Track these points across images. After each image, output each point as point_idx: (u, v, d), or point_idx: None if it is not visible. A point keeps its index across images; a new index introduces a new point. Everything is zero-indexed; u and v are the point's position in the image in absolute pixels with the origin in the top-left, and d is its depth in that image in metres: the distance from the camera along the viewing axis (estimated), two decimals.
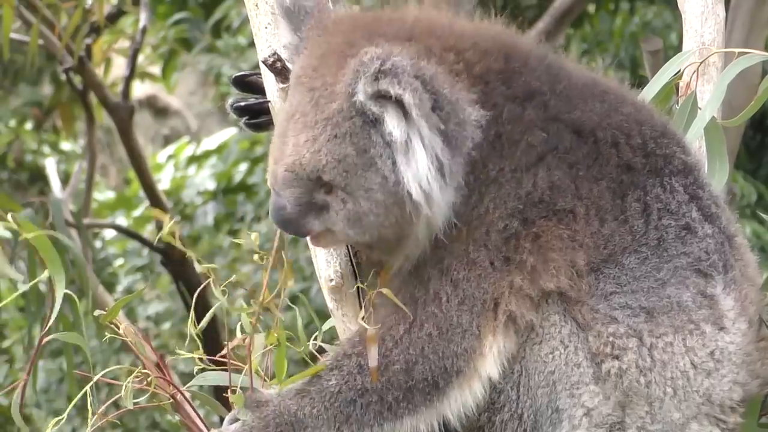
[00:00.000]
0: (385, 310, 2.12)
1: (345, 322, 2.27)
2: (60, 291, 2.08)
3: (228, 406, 2.19)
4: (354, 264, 2.32)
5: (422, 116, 2.00)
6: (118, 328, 2.13)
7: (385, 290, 2.09)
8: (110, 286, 8.37)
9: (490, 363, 2.10)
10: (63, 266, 2.10)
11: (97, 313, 2.12)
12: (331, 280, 2.29)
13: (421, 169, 2.02)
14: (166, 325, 8.45)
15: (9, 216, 2.05)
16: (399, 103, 2.01)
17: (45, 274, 2.10)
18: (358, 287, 2.27)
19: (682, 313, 2.14)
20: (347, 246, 2.30)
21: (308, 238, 2.18)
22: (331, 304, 2.31)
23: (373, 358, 2.05)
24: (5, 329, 8.39)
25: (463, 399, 2.11)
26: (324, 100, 2.09)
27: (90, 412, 2.09)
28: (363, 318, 2.10)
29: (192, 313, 2.17)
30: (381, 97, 2.03)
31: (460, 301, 2.09)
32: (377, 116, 2.04)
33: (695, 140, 2.50)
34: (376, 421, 2.08)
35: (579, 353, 2.12)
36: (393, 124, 2.02)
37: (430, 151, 2.02)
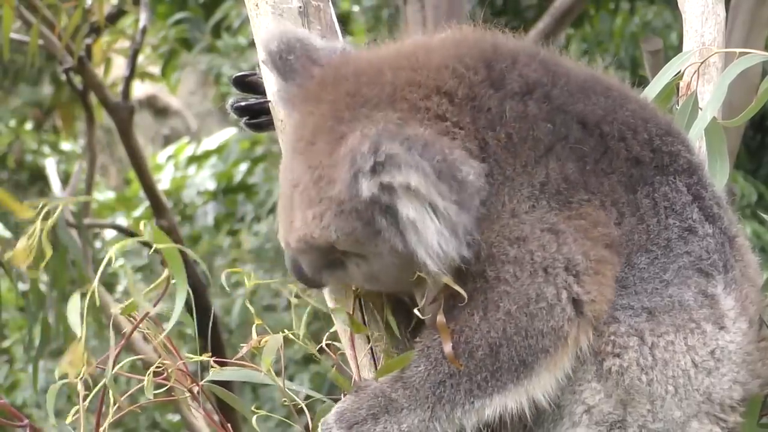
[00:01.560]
0: (452, 306, 2.11)
1: (345, 321, 2.27)
2: (180, 301, 2.11)
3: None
4: None
5: (432, 186, 1.99)
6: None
7: (445, 278, 2.07)
8: (110, 286, 8.38)
9: (576, 344, 2.09)
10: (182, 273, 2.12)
11: (118, 307, 2.17)
12: None
13: (431, 239, 2.02)
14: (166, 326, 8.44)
15: (141, 225, 2.06)
16: (407, 187, 2.01)
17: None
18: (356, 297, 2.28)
19: (683, 312, 2.14)
20: None
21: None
22: (331, 304, 2.31)
23: (447, 347, 2.07)
24: (5, 329, 8.39)
25: (551, 379, 2.10)
26: (324, 182, 2.09)
27: (112, 399, 2.14)
28: (418, 309, 2.12)
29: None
30: (386, 186, 2.02)
31: (531, 273, 2.08)
32: (389, 205, 2.04)
33: (696, 140, 2.50)
34: (467, 399, 2.09)
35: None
36: (406, 206, 2.02)
37: (444, 217, 2.01)
